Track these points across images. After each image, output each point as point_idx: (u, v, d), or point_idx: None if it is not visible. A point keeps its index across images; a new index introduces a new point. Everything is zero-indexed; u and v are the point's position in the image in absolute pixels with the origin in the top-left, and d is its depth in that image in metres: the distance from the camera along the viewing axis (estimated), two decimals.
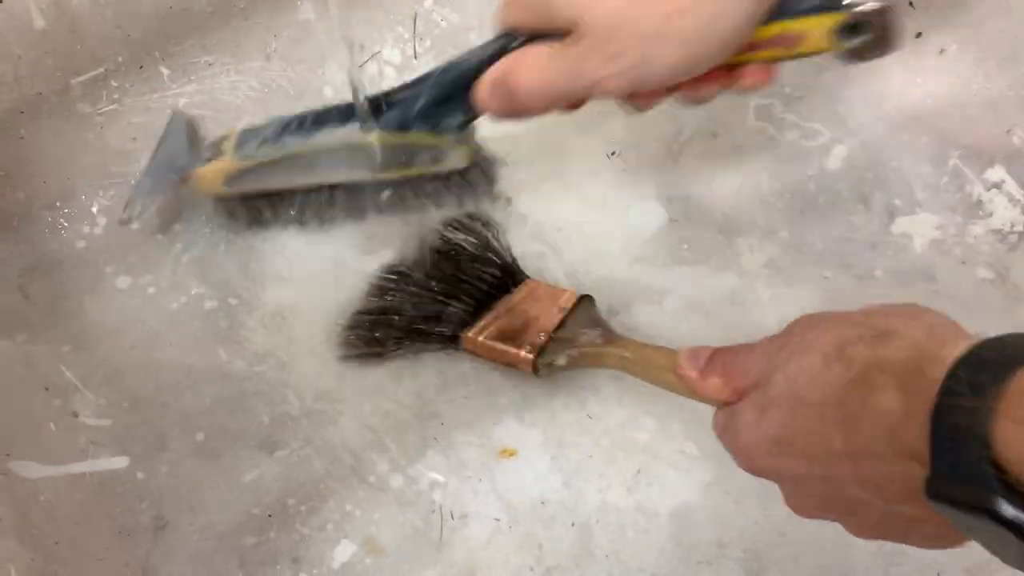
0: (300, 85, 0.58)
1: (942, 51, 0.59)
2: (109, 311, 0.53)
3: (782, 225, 0.57)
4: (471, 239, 0.53)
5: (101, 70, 0.53)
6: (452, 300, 0.51)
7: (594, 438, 0.50)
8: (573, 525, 0.48)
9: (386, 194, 0.51)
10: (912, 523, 0.32)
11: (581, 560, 0.47)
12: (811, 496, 0.35)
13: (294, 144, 0.47)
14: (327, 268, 0.54)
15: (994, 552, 0.26)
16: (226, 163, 0.49)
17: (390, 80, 0.59)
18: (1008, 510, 0.24)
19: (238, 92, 0.57)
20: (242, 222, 0.54)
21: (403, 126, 0.45)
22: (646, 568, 0.47)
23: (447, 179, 0.51)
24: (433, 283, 0.51)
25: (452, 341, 0.51)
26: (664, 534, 0.48)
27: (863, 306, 0.36)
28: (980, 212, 0.57)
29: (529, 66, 0.39)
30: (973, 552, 0.47)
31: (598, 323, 0.49)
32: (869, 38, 0.38)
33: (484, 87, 0.41)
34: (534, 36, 0.39)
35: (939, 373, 0.27)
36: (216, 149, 0.49)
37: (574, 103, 0.42)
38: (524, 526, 0.48)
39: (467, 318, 0.51)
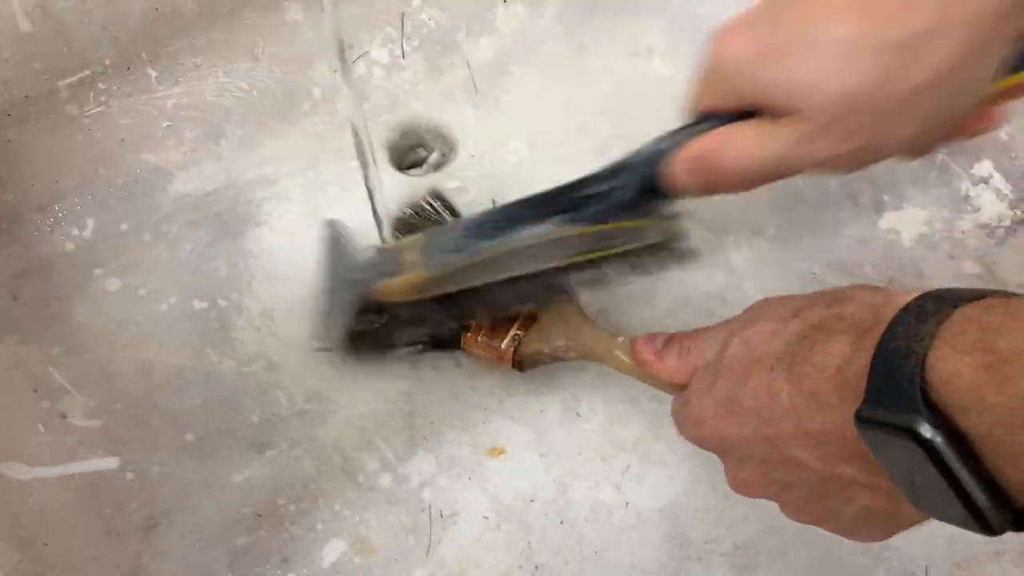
0: (288, 86, 0.58)
1: None
2: (99, 313, 0.53)
3: (770, 222, 0.57)
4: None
5: (88, 72, 0.53)
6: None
7: (583, 436, 0.50)
8: (562, 523, 0.48)
9: (582, 275, 0.46)
10: (847, 495, 0.31)
11: (570, 558, 0.47)
12: (752, 466, 0.35)
13: (488, 249, 0.44)
14: (314, 268, 0.54)
15: (908, 490, 0.26)
16: (416, 276, 0.44)
17: (379, 80, 0.59)
18: (927, 430, 0.24)
19: (226, 93, 0.57)
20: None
21: (606, 219, 0.43)
22: (636, 565, 0.47)
23: (643, 256, 0.46)
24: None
25: (453, 341, 0.50)
26: (653, 531, 0.48)
27: None
28: (968, 207, 0.57)
29: (738, 145, 0.35)
30: (962, 547, 0.48)
31: (572, 313, 0.49)
32: None
33: (681, 166, 0.37)
34: (735, 117, 0.36)
35: (892, 314, 0.27)
36: (398, 261, 0.45)
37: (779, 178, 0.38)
38: (513, 524, 0.48)
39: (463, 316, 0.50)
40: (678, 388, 0.41)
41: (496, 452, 0.50)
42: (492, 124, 0.60)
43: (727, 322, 0.38)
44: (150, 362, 0.52)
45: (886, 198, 0.57)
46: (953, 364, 0.24)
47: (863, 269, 0.55)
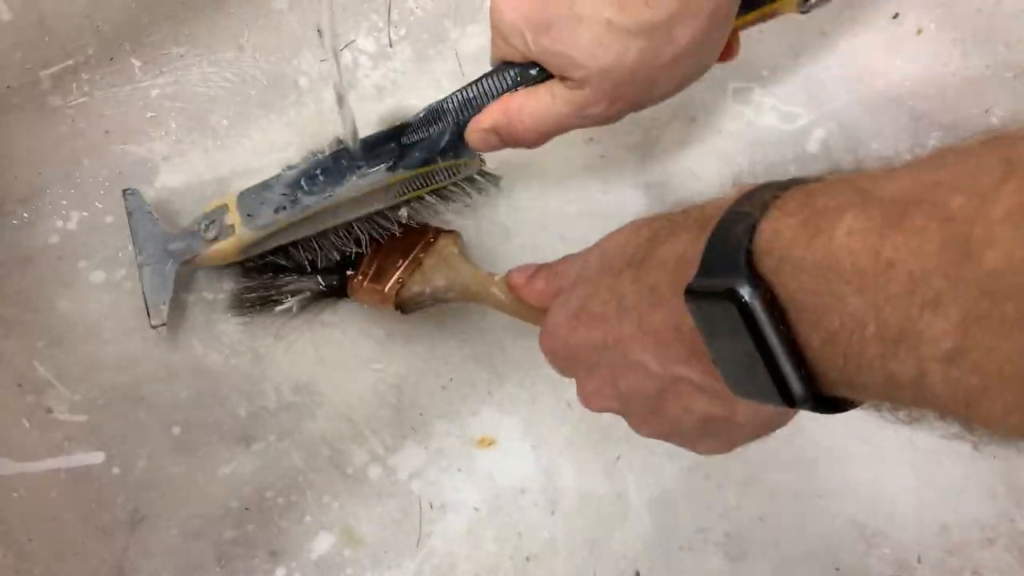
0: (273, 75, 0.57)
1: (919, 31, 0.58)
2: (83, 306, 0.52)
3: None
4: None
5: (71, 62, 0.53)
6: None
7: (573, 426, 0.50)
8: (553, 513, 0.48)
9: (403, 213, 0.50)
10: (686, 403, 0.31)
11: (561, 549, 0.47)
12: (599, 375, 0.35)
13: (314, 203, 0.46)
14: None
15: (721, 358, 0.26)
16: (239, 238, 0.47)
17: (365, 69, 0.59)
18: (746, 291, 0.24)
19: (211, 83, 0.56)
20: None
21: (429, 162, 0.46)
22: (627, 555, 0.47)
23: (457, 187, 0.51)
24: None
25: (340, 289, 0.50)
26: (644, 520, 0.48)
27: None
28: None
29: (534, 109, 0.41)
30: (954, 534, 0.48)
31: (455, 256, 0.49)
32: None
33: (482, 129, 0.43)
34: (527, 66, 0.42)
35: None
36: (220, 225, 0.47)
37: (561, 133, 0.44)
38: (503, 515, 0.48)
39: (349, 263, 0.50)
40: (545, 302, 0.41)
41: (486, 443, 0.49)
42: None
43: (591, 247, 0.38)
44: (135, 356, 0.51)
45: None
46: (777, 225, 0.24)
47: None
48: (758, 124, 0.59)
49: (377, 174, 0.46)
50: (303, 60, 0.58)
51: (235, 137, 0.57)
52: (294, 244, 0.49)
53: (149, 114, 0.55)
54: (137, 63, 0.55)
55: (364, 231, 0.49)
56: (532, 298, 0.41)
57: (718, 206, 0.29)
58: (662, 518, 0.48)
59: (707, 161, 0.58)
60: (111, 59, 0.54)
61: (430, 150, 0.46)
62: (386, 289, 0.48)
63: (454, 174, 0.48)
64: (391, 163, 0.46)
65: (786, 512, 0.48)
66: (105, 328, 0.52)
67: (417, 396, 0.50)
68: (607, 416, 0.50)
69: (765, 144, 0.58)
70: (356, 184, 0.46)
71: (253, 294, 0.51)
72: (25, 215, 0.53)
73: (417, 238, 0.49)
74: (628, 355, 0.32)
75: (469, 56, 0.60)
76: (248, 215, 0.46)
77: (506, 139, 0.43)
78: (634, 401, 0.34)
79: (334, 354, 0.52)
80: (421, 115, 0.45)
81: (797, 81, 0.59)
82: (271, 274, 0.50)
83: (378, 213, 0.49)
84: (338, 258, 0.50)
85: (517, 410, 0.50)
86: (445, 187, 0.50)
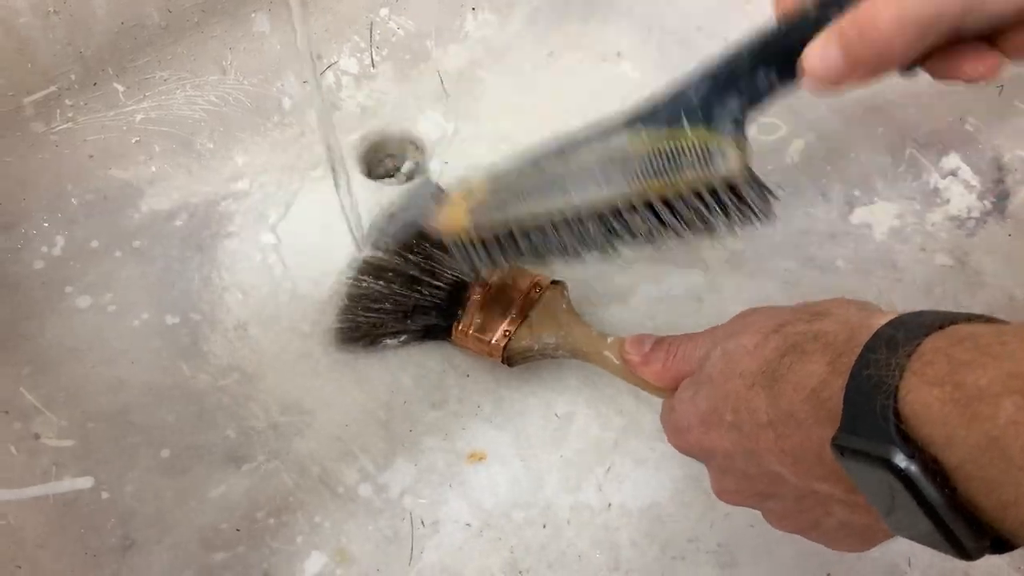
0: (257, 98, 0.58)
1: None
2: (70, 331, 0.52)
3: None
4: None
5: (54, 88, 0.53)
6: (435, 289, 0.50)
7: (563, 438, 0.50)
8: (545, 526, 0.48)
9: (640, 218, 0.40)
10: (826, 509, 0.32)
11: (554, 561, 0.47)
12: (734, 476, 0.36)
13: (548, 164, 0.41)
14: (288, 279, 0.54)
15: (887, 516, 0.26)
16: (472, 193, 0.43)
17: (348, 90, 0.59)
18: (903, 460, 0.24)
19: (195, 106, 0.57)
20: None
21: (673, 121, 0.38)
22: (620, 566, 0.47)
23: (716, 197, 0.40)
24: (426, 267, 0.50)
25: (444, 332, 0.50)
26: (637, 531, 0.48)
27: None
28: (937, 199, 0.57)
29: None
30: None
31: (563, 311, 0.49)
32: None
33: (819, 43, 0.33)
34: None
35: (865, 339, 0.28)
36: (466, 189, 0.44)
37: (949, 32, 0.32)
38: (495, 530, 0.48)
39: (452, 308, 0.50)
40: (665, 392, 0.42)
41: (476, 457, 0.49)
42: (463, 131, 0.60)
43: (713, 330, 0.39)
44: (122, 379, 0.51)
45: (857, 193, 0.58)
46: (923, 397, 0.24)
47: (836, 264, 0.55)
48: None
49: (615, 133, 0.39)
50: (286, 82, 0.58)
51: (220, 159, 0.57)
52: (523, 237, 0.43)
53: (133, 138, 0.56)
54: (120, 88, 0.55)
55: (596, 232, 0.41)
56: (648, 376, 0.42)
57: (841, 322, 0.30)
58: (654, 528, 0.48)
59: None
60: (94, 84, 0.54)
61: (677, 105, 0.38)
62: (493, 341, 0.48)
63: (705, 163, 0.38)
64: (632, 122, 0.39)
65: None
66: (92, 353, 0.51)
67: (406, 412, 0.50)
68: (596, 428, 0.51)
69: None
70: (593, 147, 0.40)
71: (358, 334, 0.51)
72: (10, 241, 0.53)
73: (523, 288, 0.49)
74: (765, 465, 0.33)
75: (452, 75, 0.61)
76: (491, 181, 0.43)
77: (854, 47, 0.32)
78: (772, 503, 0.35)
79: (321, 372, 0.52)
80: (691, 74, 0.37)
81: None
82: (377, 314, 0.50)
83: (613, 213, 0.40)
84: (444, 300, 0.49)
85: (507, 424, 0.50)
86: (698, 193, 0.39)
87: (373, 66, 0.60)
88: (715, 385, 0.35)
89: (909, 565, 0.47)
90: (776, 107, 0.60)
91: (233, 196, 0.56)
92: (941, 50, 0.33)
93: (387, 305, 0.50)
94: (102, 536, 0.46)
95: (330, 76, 0.59)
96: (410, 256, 0.50)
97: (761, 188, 0.40)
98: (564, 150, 0.41)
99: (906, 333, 0.26)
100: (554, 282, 0.50)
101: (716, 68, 0.37)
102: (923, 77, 0.60)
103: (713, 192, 0.39)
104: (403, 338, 0.51)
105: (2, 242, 0.53)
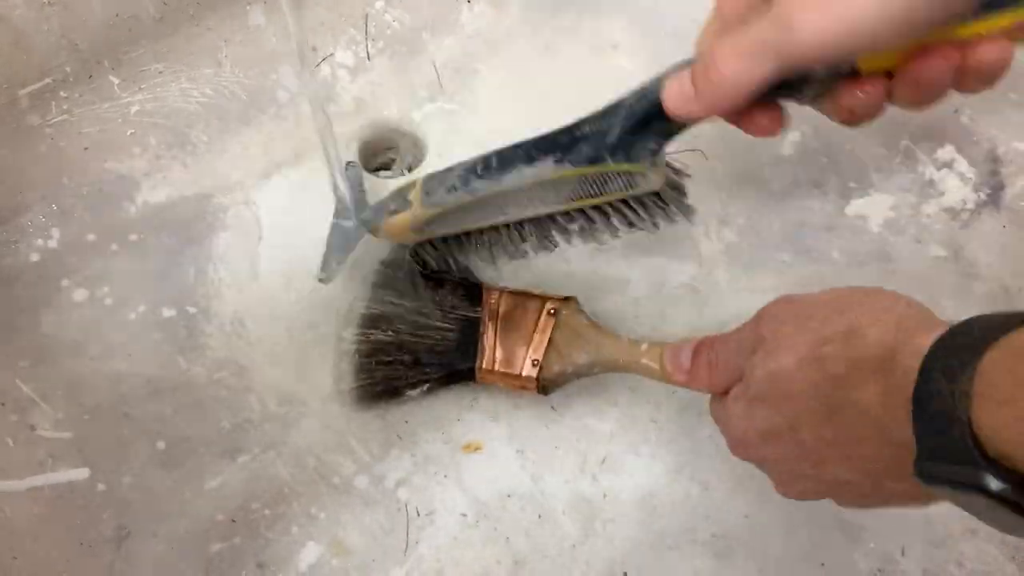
0: (253, 90, 0.58)
1: None
2: (66, 324, 0.52)
3: (739, 212, 0.57)
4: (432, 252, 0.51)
5: (49, 81, 0.53)
6: (451, 327, 0.50)
7: (558, 429, 0.50)
8: (540, 517, 0.48)
9: (577, 224, 0.48)
10: (897, 494, 0.33)
11: (549, 552, 0.47)
12: (801, 480, 0.37)
13: (483, 187, 0.45)
14: (283, 272, 0.54)
15: (990, 522, 0.27)
16: (415, 213, 0.47)
17: (344, 82, 0.59)
18: (995, 484, 0.25)
19: (190, 99, 0.57)
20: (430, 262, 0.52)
21: (596, 160, 0.43)
22: (615, 557, 0.47)
23: (640, 201, 0.47)
24: (427, 310, 0.50)
25: (467, 374, 0.49)
26: (632, 522, 0.48)
27: (826, 289, 0.37)
28: (932, 191, 0.57)
29: (725, 44, 0.36)
30: (938, 527, 0.48)
31: (587, 327, 0.48)
32: None
33: (678, 85, 0.38)
34: None
35: (913, 362, 0.28)
36: (403, 200, 0.48)
37: (779, 78, 0.36)
38: (491, 520, 0.48)
39: (468, 348, 0.49)
40: (712, 391, 0.42)
41: (472, 448, 0.49)
42: (460, 124, 0.60)
43: (743, 332, 0.39)
44: (119, 371, 0.51)
45: (852, 185, 0.58)
46: (996, 420, 0.25)
47: (831, 255, 0.55)
48: (733, 129, 0.59)
49: (543, 165, 0.44)
50: (281, 74, 0.58)
51: (215, 152, 0.57)
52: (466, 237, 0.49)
53: (129, 131, 0.56)
54: (116, 80, 0.55)
55: (534, 234, 0.48)
56: (697, 389, 0.43)
57: (880, 344, 0.31)
58: (649, 518, 0.48)
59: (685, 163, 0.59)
60: (90, 77, 0.54)
61: (598, 146, 0.43)
62: (523, 374, 0.47)
63: (629, 185, 0.45)
64: (558, 156, 0.43)
65: (771, 511, 0.48)
66: (88, 345, 0.51)
67: (402, 403, 0.51)
68: (592, 420, 0.51)
69: (740, 148, 0.59)
70: (523, 172, 0.44)
71: (380, 389, 0.50)
72: (5, 234, 0.53)
73: (534, 311, 0.49)
74: (833, 474, 0.34)
75: (448, 67, 0.61)
76: (426, 193, 0.47)
77: (702, 84, 0.37)
78: (839, 496, 0.36)
79: (317, 365, 0.52)
80: (600, 109, 0.43)
81: None
82: (388, 367, 0.49)
83: (550, 218, 0.47)
84: (455, 339, 0.49)
85: (502, 415, 0.50)
86: (625, 202, 0.47)
87: (369, 58, 0.60)
88: (767, 406, 0.36)
89: (903, 555, 0.47)
90: None
91: (228, 188, 0.56)
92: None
93: (401, 355, 0.49)
94: (98, 527, 0.47)
95: (326, 68, 0.59)
96: (407, 303, 0.50)
97: (681, 193, 0.48)
98: (494, 173, 0.45)
99: (958, 356, 0.27)
100: (565, 298, 0.49)
101: (630, 110, 0.42)
102: None
103: (639, 200, 0.46)
104: (426, 387, 0.49)
105: None
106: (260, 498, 0.48)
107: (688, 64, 0.39)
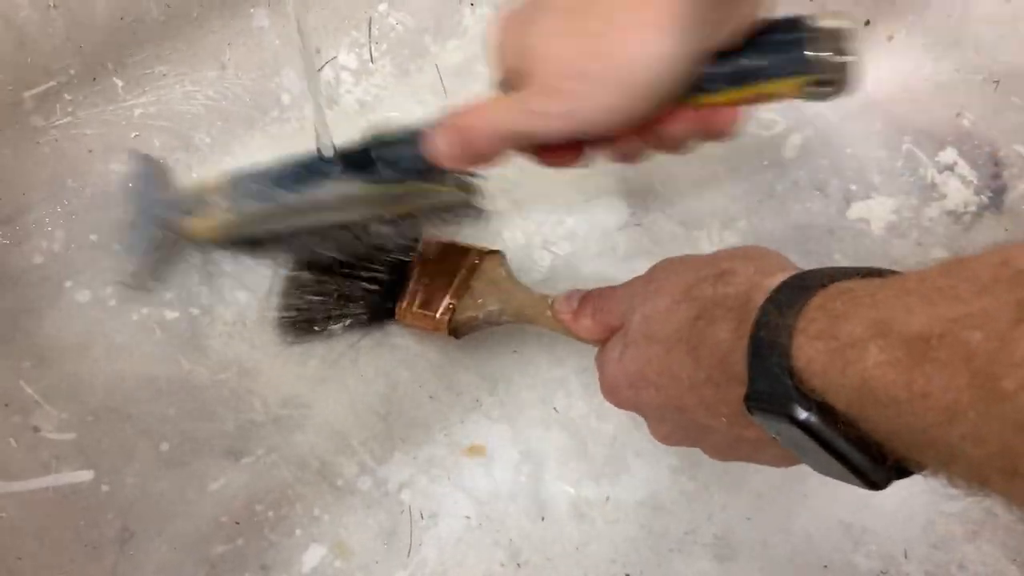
0: (256, 93, 0.58)
1: (891, 38, 0.60)
2: (70, 325, 0.52)
3: (741, 215, 0.57)
4: None
5: (53, 83, 0.53)
6: (382, 269, 0.51)
7: (560, 431, 0.50)
8: (543, 519, 0.48)
9: (378, 229, 0.50)
10: (755, 445, 0.34)
11: (552, 554, 0.47)
12: (669, 425, 0.38)
13: (288, 199, 0.47)
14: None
15: (803, 458, 0.29)
16: (217, 218, 0.48)
17: (347, 85, 0.59)
18: (801, 413, 0.27)
19: (194, 102, 0.57)
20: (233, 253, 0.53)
21: (403, 180, 0.46)
22: (617, 559, 0.47)
23: (441, 211, 0.51)
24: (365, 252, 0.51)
25: (387, 313, 0.50)
26: (634, 523, 0.48)
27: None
28: (934, 194, 0.57)
29: (480, 107, 0.40)
30: (939, 528, 0.48)
31: (504, 279, 0.49)
32: (833, 88, 0.40)
33: (435, 132, 0.41)
34: None
35: (760, 298, 0.30)
36: (202, 202, 0.48)
37: (525, 145, 0.41)
38: (494, 522, 0.48)
39: (394, 287, 0.50)
40: (599, 343, 0.43)
41: (475, 451, 0.50)
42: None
43: (632, 283, 0.41)
44: (122, 373, 0.51)
45: (854, 188, 0.58)
46: (809, 352, 0.27)
47: (833, 258, 0.56)
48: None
49: (351, 184, 0.46)
50: (285, 77, 0.58)
51: (219, 155, 0.57)
52: (280, 242, 0.50)
53: (132, 133, 0.56)
54: (120, 83, 0.55)
55: (351, 237, 0.49)
56: (580, 333, 0.43)
57: (743, 285, 0.33)
58: (651, 521, 0.48)
59: (687, 169, 0.59)
60: (94, 79, 0.54)
61: (402, 170, 0.45)
62: (437, 315, 0.48)
63: (430, 200, 0.49)
64: (367, 176, 0.45)
65: (773, 512, 0.48)
66: (92, 347, 0.52)
67: (404, 406, 0.51)
68: (594, 421, 0.51)
69: (743, 151, 0.59)
70: (331, 189, 0.46)
71: (301, 319, 0.51)
72: (9, 236, 0.54)
73: (460, 260, 0.50)
74: (696, 419, 0.35)
75: (450, 70, 0.61)
76: (227, 198, 0.48)
77: (449, 145, 0.41)
78: (707, 444, 0.37)
79: (320, 366, 0.52)
80: (399, 134, 0.45)
81: None
82: (317, 298, 0.51)
83: (363, 223, 0.49)
84: (384, 281, 0.50)
85: (505, 417, 0.50)
86: (432, 209, 0.50)
87: (372, 61, 0.60)
88: (638, 348, 0.37)
89: (905, 556, 0.47)
90: (774, 103, 0.60)
91: None
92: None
93: (329, 290, 0.51)
94: (101, 528, 0.47)
95: (329, 71, 0.59)
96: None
97: (480, 200, 0.51)
98: (297, 182, 0.46)
99: (792, 294, 0.28)
100: (491, 252, 0.50)
101: (413, 144, 0.43)
102: (921, 72, 0.60)
103: (440, 207, 0.50)
104: (347, 322, 0.51)
105: (2, 236, 0.53)
106: (263, 500, 0.48)
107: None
